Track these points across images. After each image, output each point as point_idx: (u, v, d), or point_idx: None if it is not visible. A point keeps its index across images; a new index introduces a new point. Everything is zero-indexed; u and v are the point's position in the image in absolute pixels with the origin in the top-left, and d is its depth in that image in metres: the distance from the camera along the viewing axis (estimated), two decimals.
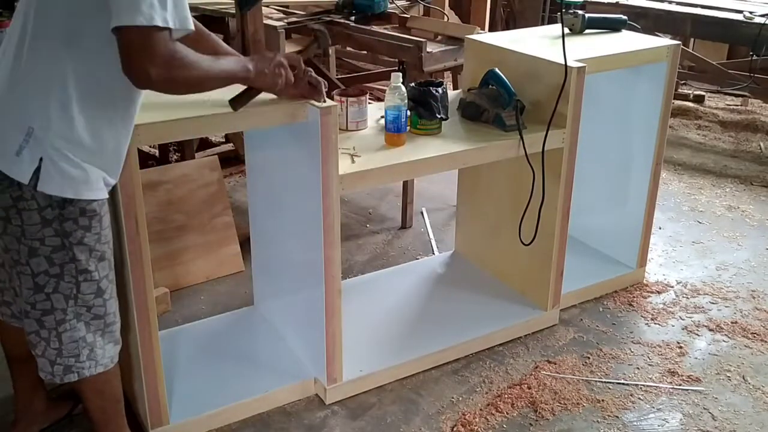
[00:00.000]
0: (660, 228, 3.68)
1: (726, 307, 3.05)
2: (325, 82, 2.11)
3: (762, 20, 4.36)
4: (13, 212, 1.73)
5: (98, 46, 1.67)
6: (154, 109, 1.95)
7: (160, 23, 1.60)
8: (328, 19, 3.81)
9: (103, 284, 1.87)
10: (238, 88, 2.00)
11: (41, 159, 1.67)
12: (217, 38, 2.11)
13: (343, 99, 2.47)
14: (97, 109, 1.72)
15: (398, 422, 2.38)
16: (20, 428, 2.22)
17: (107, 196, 1.82)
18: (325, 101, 2.10)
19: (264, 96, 2.13)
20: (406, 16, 3.94)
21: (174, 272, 3.05)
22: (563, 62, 2.45)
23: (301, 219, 2.31)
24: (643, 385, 2.57)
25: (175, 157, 4.11)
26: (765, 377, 2.63)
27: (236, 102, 1.99)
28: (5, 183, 1.70)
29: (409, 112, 2.43)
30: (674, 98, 4.21)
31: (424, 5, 4.47)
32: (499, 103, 2.52)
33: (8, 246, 1.79)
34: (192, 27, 1.73)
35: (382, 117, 2.48)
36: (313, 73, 2.11)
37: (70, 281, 1.81)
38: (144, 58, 1.61)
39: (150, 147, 4.26)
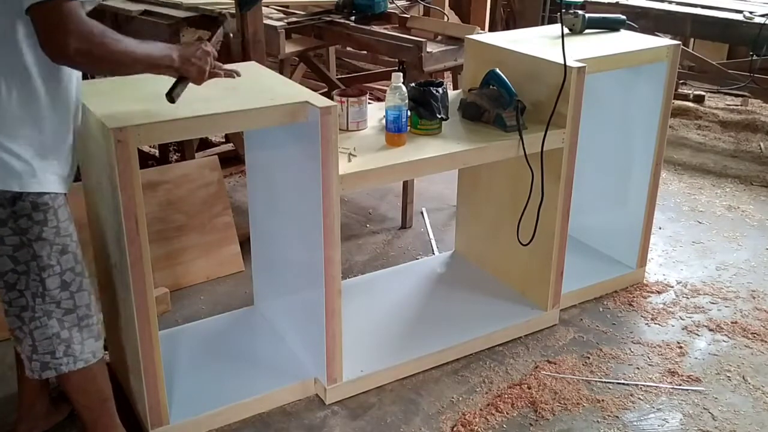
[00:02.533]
0: (660, 228, 3.68)
1: (726, 307, 3.05)
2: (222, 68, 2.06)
3: (762, 20, 4.36)
4: None
5: (11, 32, 1.66)
6: (155, 110, 1.95)
7: None
8: (328, 19, 3.81)
9: (68, 277, 1.86)
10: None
11: None
12: None
13: (343, 99, 2.47)
14: (26, 96, 1.71)
15: (398, 422, 2.38)
16: (22, 429, 2.22)
17: (61, 189, 1.81)
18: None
19: (263, 96, 2.13)
20: (406, 16, 3.94)
21: (174, 272, 3.05)
22: (563, 62, 2.45)
23: (301, 219, 2.31)
24: (643, 385, 2.57)
25: (175, 157, 4.11)
26: (765, 377, 2.63)
27: (170, 94, 1.94)
28: None
29: (409, 112, 2.43)
30: (674, 98, 4.21)
31: (424, 5, 4.47)
32: (500, 103, 2.52)
33: None
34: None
35: (383, 117, 2.48)
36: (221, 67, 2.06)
37: (35, 279, 1.81)
38: (60, 31, 1.60)
39: (150, 147, 4.26)
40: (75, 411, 2.06)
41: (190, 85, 1.95)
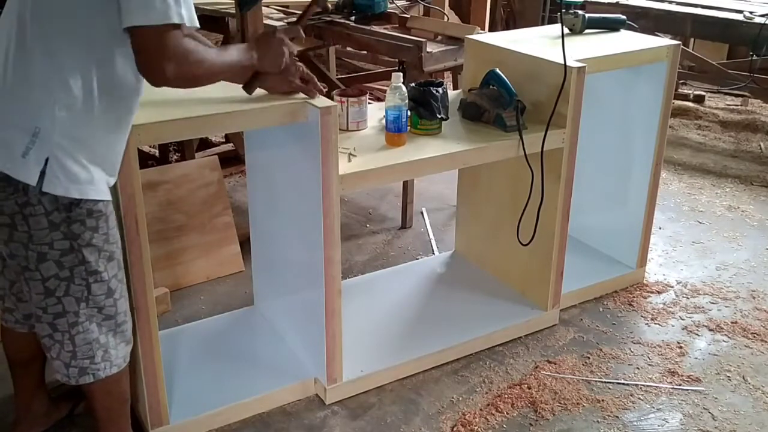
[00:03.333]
0: (660, 228, 3.68)
1: (726, 307, 3.05)
2: (319, 86, 2.12)
3: (762, 20, 4.36)
4: (19, 218, 1.71)
5: (105, 45, 1.67)
6: (154, 109, 1.95)
7: (175, 20, 1.61)
8: (328, 19, 3.81)
9: (113, 284, 1.86)
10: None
11: (47, 159, 1.65)
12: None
13: (344, 99, 2.47)
14: (103, 108, 1.71)
15: (398, 422, 2.38)
16: (21, 430, 2.22)
17: (110, 196, 1.82)
18: (316, 97, 2.10)
19: (263, 96, 2.13)
20: (406, 16, 3.94)
21: (174, 272, 3.05)
22: (563, 62, 2.45)
23: (301, 219, 2.31)
24: (643, 385, 2.57)
25: (175, 157, 4.11)
26: (765, 377, 2.63)
27: (249, 85, 2.02)
28: (10, 189, 1.68)
29: (409, 112, 2.43)
30: (674, 98, 4.21)
31: (424, 5, 4.47)
32: (500, 103, 2.52)
33: (14, 252, 1.77)
34: (197, 23, 1.75)
35: (383, 117, 2.48)
36: (305, 69, 2.11)
37: (80, 283, 1.80)
38: (161, 56, 1.62)
39: (150, 147, 4.26)
40: (93, 411, 2.04)
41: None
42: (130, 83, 1.73)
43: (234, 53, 1.91)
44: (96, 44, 1.66)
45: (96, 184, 1.75)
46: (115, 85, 1.72)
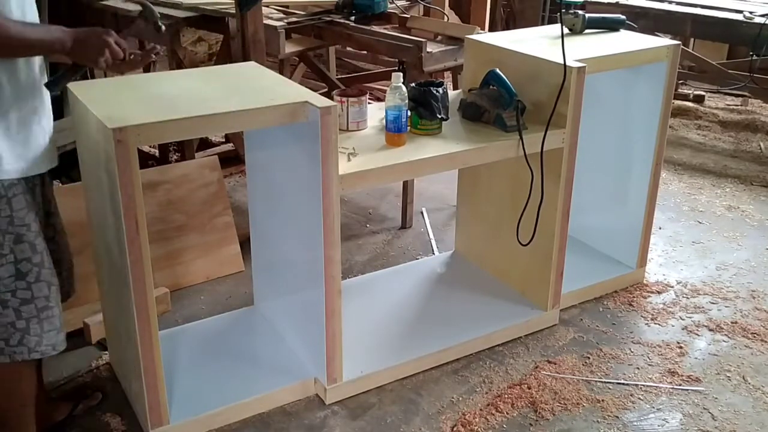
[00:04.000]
0: (660, 228, 3.68)
1: (726, 307, 3.05)
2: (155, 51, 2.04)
3: (762, 20, 4.36)
4: None
5: None
6: (154, 109, 1.95)
7: None
8: (328, 19, 3.81)
9: (24, 267, 1.86)
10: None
11: None
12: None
13: (344, 99, 2.47)
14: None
15: (398, 422, 2.38)
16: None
17: (15, 174, 1.81)
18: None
19: (263, 96, 2.13)
20: (406, 16, 3.94)
21: (174, 272, 3.05)
22: (563, 62, 2.45)
23: (301, 219, 2.31)
24: (643, 385, 2.57)
25: (175, 157, 4.11)
26: (765, 377, 2.63)
27: (56, 84, 1.92)
28: None
29: (409, 112, 2.43)
30: (674, 98, 4.21)
31: (424, 5, 4.47)
32: (500, 103, 2.52)
33: None
34: None
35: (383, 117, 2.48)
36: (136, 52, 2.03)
37: None
38: None
39: (150, 147, 4.26)
40: None
41: (191, 85, 1.95)
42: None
43: (44, 31, 1.82)
44: None
45: None
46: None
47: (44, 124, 1.93)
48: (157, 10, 3.97)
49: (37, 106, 1.86)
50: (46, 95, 1.92)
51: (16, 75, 1.81)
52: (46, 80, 1.91)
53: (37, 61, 1.86)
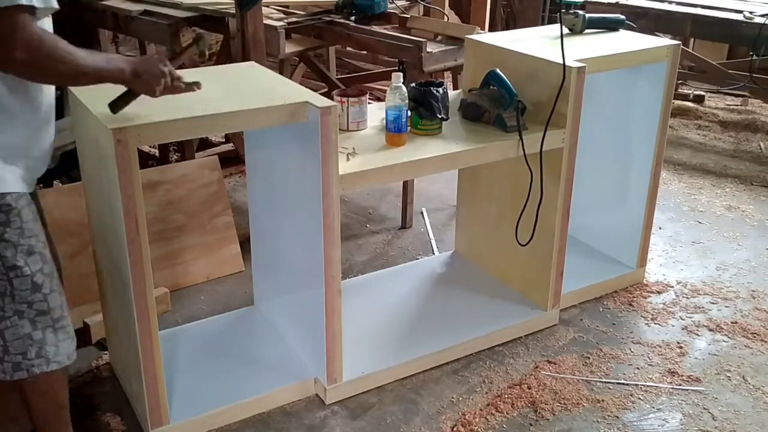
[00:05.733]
0: (660, 228, 3.68)
1: (726, 307, 3.05)
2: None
3: (762, 20, 4.36)
4: None
5: None
6: (154, 110, 1.95)
7: (23, 1, 1.59)
8: (328, 19, 3.81)
9: (38, 278, 1.85)
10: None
11: None
12: None
13: (344, 99, 2.47)
14: (6, 102, 1.72)
15: (398, 422, 2.38)
16: None
17: (24, 188, 1.81)
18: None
19: (263, 96, 2.13)
20: (406, 16, 3.94)
21: (174, 272, 3.05)
22: (563, 62, 2.45)
23: (301, 219, 2.31)
24: (643, 385, 2.57)
25: (175, 157, 4.11)
26: (765, 377, 2.63)
27: (115, 105, 1.93)
28: None
29: (409, 113, 2.43)
30: (674, 98, 4.21)
31: (424, 5, 4.48)
32: (500, 103, 2.52)
33: None
34: (56, 4, 1.71)
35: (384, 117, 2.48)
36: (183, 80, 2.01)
37: (1, 279, 1.80)
38: (6, 42, 1.60)
39: (150, 147, 4.26)
40: (30, 415, 2.02)
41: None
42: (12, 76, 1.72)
43: (105, 60, 1.84)
44: None
45: (2, 177, 1.74)
46: (14, 79, 1.71)
47: (48, 137, 1.92)
48: (157, 10, 3.99)
49: (43, 119, 1.86)
50: (51, 107, 1.92)
51: (25, 90, 1.80)
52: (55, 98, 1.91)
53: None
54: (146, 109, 1.93)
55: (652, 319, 2.94)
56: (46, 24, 1.82)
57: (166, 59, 1.91)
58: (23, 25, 1.61)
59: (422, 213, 3.82)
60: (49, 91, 1.86)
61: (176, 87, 1.94)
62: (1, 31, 1.60)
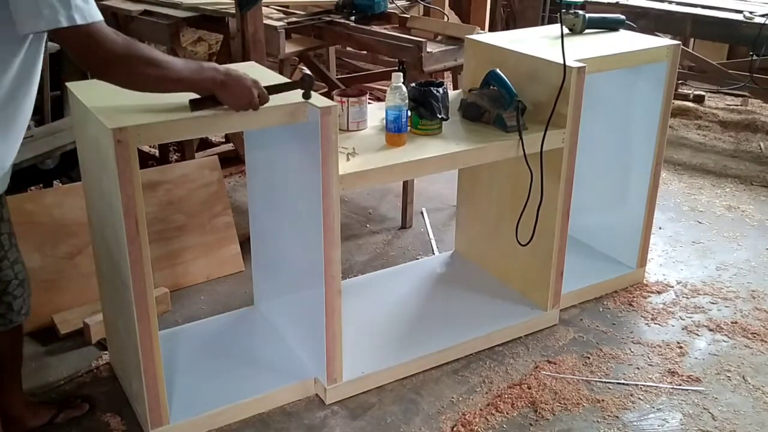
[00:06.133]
0: (660, 228, 3.68)
1: (726, 307, 3.05)
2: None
3: (762, 20, 4.36)
4: None
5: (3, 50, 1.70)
6: (154, 110, 1.95)
7: (97, 18, 1.68)
8: (328, 19, 3.81)
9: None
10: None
11: None
12: None
13: (344, 99, 2.47)
14: None
15: (398, 422, 2.38)
16: None
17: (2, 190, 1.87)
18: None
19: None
20: (406, 16, 3.94)
21: (174, 272, 3.05)
22: (563, 62, 2.45)
23: (301, 219, 2.31)
24: (643, 385, 2.57)
25: (175, 157, 4.11)
26: (765, 377, 2.63)
27: (197, 104, 1.96)
28: None
29: (409, 112, 2.43)
30: (674, 98, 4.21)
31: (424, 5, 4.47)
32: (500, 103, 2.52)
33: None
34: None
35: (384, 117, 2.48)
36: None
37: None
38: (101, 53, 1.70)
39: (150, 147, 4.26)
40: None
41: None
42: (24, 85, 1.76)
43: (196, 71, 1.90)
44: None
45: None
46: (9, 87, 1.75)
47: (19, 138, 1.93)
48: (157, 9, 3.99)
49: (15, 133, 1.87)
50: (29, 107, 1.92)
51: (21, 97, 1.83)
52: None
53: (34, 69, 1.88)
54: (146, 109, 1.93)
55: (652, 319, 2.94)
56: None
57: (258, 82, 1.97)
58: (109, 37, 1.71)
59: (422, 213, 3.82)
60: (26, 110, 1.88)
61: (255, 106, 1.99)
62: (91, 46, 1.69)
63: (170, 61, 1.83)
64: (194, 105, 1.96)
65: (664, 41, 3.00)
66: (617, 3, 4.82)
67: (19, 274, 2.04)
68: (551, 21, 5.54)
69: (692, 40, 5.53)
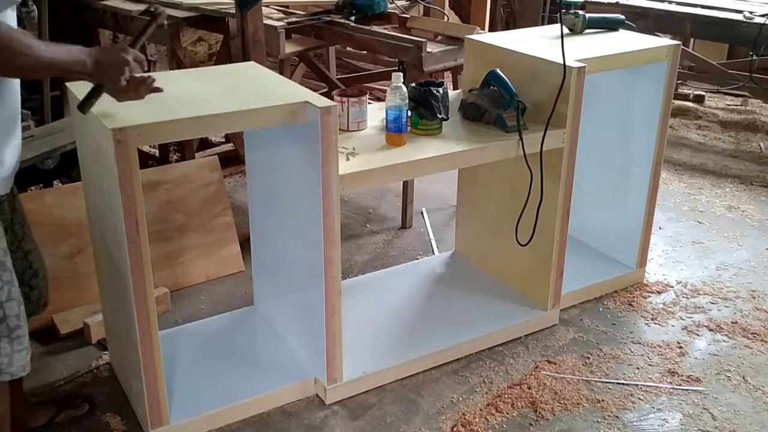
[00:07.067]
0: (660, 228, 3.68)
1: (726, 307, 3.05)
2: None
3: (762, 20, 4.36)
4: None
5: None
6: (154, 109, 1.95)
7: None
8: (328, 19, 3.81)
9: None
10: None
11: None
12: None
13: (344, 99, 2.47)
14: None
15: (398, 422, 2.38)
16: None
17: None
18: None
19: (263, 96, 2.13)
20: (406, 16, 3.95)
21: (174, 272, 3.05)
22: (563, 62, 2.45)
23: (301, 219, 2.31)
24: (643, 385, 2.57)
25: (175, 157, 4.11)
26: (765, 377, 2.63)
27: (83, 104, 1.90)
28: None
29: (409, 112, 2.43)
30: (674, 98, 4.21)
31: (424, 5, 4.47)
32: (501, 103, 2.52)
33: None
34: None
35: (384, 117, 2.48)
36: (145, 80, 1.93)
37: None
38: None
39: (150, 147, 4.26)
40: None
41: (191, 85, 1.94)
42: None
43: (65, 51, 1.74)
44: None
45: None
46: None
47: (17, 142, 1.90)
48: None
49: (12, 125, 1.83)
50: (17, 113, 1.88)
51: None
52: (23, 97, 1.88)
53: (17, 82, 1.82)
54: (146, 109, 1.93)
55: (652, 319, 2.94)
56: (9, 17, 1.76)
57: (127, 47, 1.84)
58: None
59: (422, 213, 3.82)
60: (12, 103, 1.83)
61: (142, 81, 1.85)
62: None
63: (37, 45, 1.68)
64: (83, 106, 1.89)
65: (664, 41, 3.00)
66: (617, 3, 4.82)
67: (34, 263, 2.00)
68: (551, 21, 5.54)
69: (692, 40, 5.53)
